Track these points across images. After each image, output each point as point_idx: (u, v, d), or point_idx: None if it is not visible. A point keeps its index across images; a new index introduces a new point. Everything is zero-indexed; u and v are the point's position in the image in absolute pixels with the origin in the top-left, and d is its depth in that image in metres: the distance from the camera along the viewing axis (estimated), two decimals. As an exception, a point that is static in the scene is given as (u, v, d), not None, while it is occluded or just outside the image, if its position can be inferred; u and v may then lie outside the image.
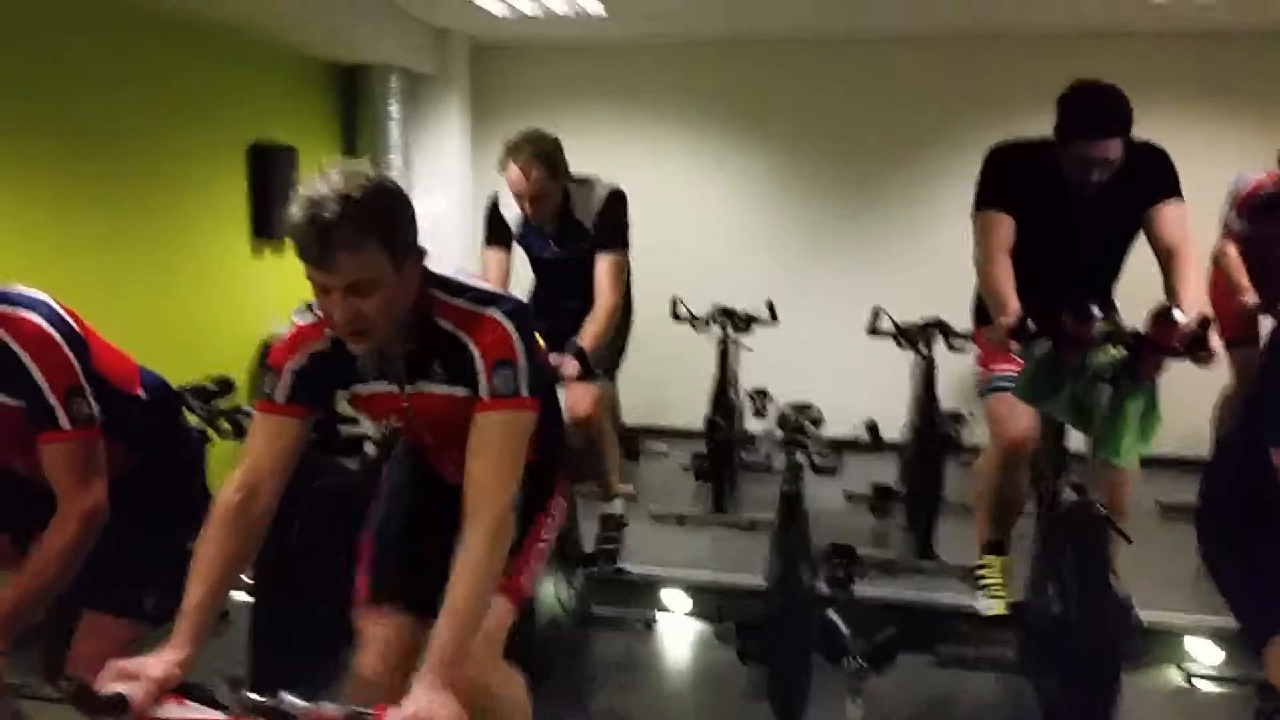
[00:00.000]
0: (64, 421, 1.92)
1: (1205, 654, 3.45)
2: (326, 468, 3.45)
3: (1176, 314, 2.53)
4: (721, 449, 4.73)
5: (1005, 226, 2.94)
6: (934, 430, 4.11)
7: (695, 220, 6.32)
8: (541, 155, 3.31)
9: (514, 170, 3.33)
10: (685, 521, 4.69)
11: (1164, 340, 2.55)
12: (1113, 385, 2.65)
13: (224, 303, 5.19)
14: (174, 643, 1.64)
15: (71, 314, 2.03)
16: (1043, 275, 2.87)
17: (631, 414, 5.27)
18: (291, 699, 1.48)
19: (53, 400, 1.91)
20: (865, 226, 6.32)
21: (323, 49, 5.84)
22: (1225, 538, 2.03)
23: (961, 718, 3.27)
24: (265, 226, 5.42)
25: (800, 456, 3.01)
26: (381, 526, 2.22)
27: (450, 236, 5.93)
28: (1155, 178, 2.96)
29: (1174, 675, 3.46)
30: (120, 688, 1.53)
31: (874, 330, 4.23)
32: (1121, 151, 2.84)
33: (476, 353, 1.78)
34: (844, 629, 2.14)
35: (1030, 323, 2.69)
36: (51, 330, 1.94)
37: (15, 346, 1.90)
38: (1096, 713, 2.64)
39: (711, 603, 3.95)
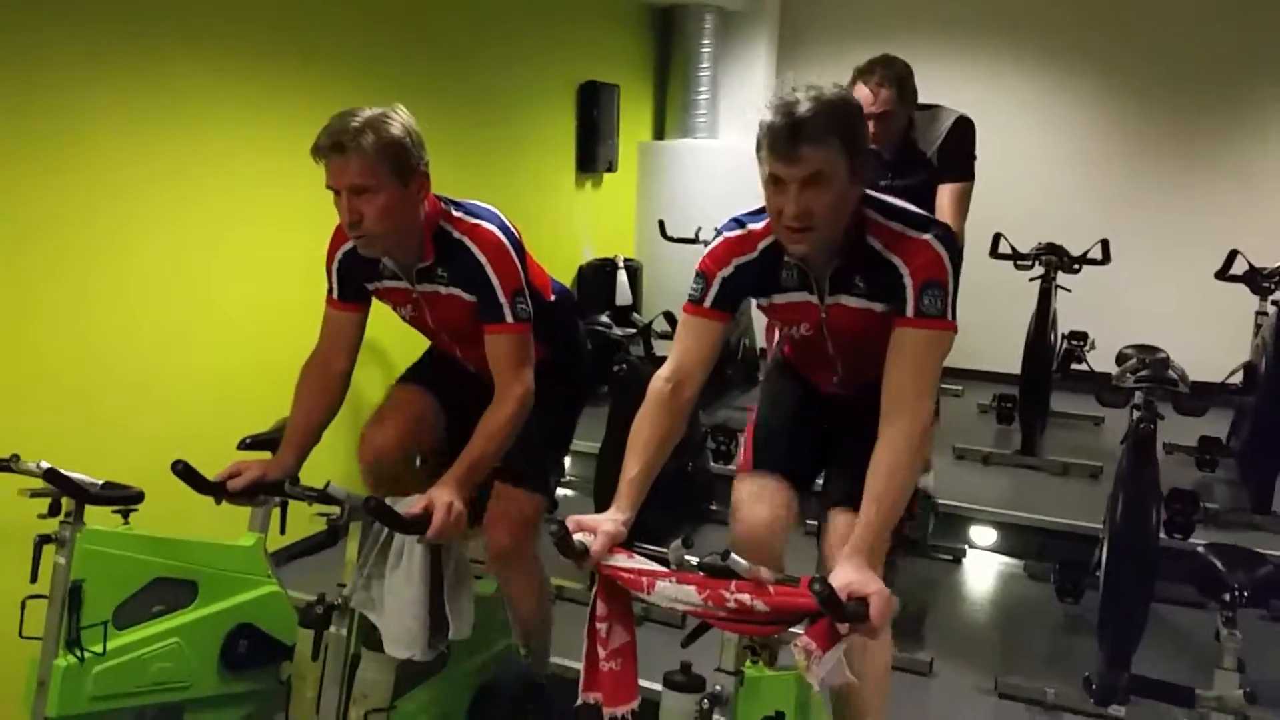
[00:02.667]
0: (509, 316, 2.22)
1: None
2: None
3: None
4: (1036, 391, 4.64)
5: None
6: (1283, 383, 3.85)
7: (1021, 154, 6.05)
8: (892, 77, 3.32)
9: (863, 89, 3.34)
10: (990, 460, 4.67)
11: None
12: None
13: (549, 229, 5.60)
14: (618, 505, 1.90)
15: (515, 227, 2.34)
16: None
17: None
18: (737, 559, 1.69)
19: (502, 298, 2.22)
20: (1212, 165, 5.80)
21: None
22: None
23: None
24: (589, 161, 5.78)
25: (1161, 397, 2.93)
26: (763, 421, 2.39)
27: (752, 172, 6.07)
28: None
29: None
30: (582, 537, 1.82)
31: (1225, 274, 3.98)
32: None
33: (906, 272, 1.89)
34: (1220, 564, 2.13)
35: None
36: (505, 240, 2.24)
37: (477, 252, 2.21)
38: None
39: (1023, 541, 3.97)
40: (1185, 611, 3.41)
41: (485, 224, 2.25)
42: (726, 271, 2.05)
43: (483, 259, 2.22)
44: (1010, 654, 3.24)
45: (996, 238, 4.67)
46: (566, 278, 5.74)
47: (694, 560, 1.75)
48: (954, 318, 1.90)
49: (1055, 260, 4.54)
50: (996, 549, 4.02)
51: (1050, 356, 4.61)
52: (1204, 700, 1.65)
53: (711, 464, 4.32)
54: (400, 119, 2.14)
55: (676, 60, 6.43)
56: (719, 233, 2.11)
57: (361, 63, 4.01)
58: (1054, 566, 3.56)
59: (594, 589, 1.82)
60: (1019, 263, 4.62)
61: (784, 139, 1.79)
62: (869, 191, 1.95)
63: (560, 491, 4.44)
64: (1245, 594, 2.09)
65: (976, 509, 4.06)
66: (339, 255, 2.36)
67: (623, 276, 5.80)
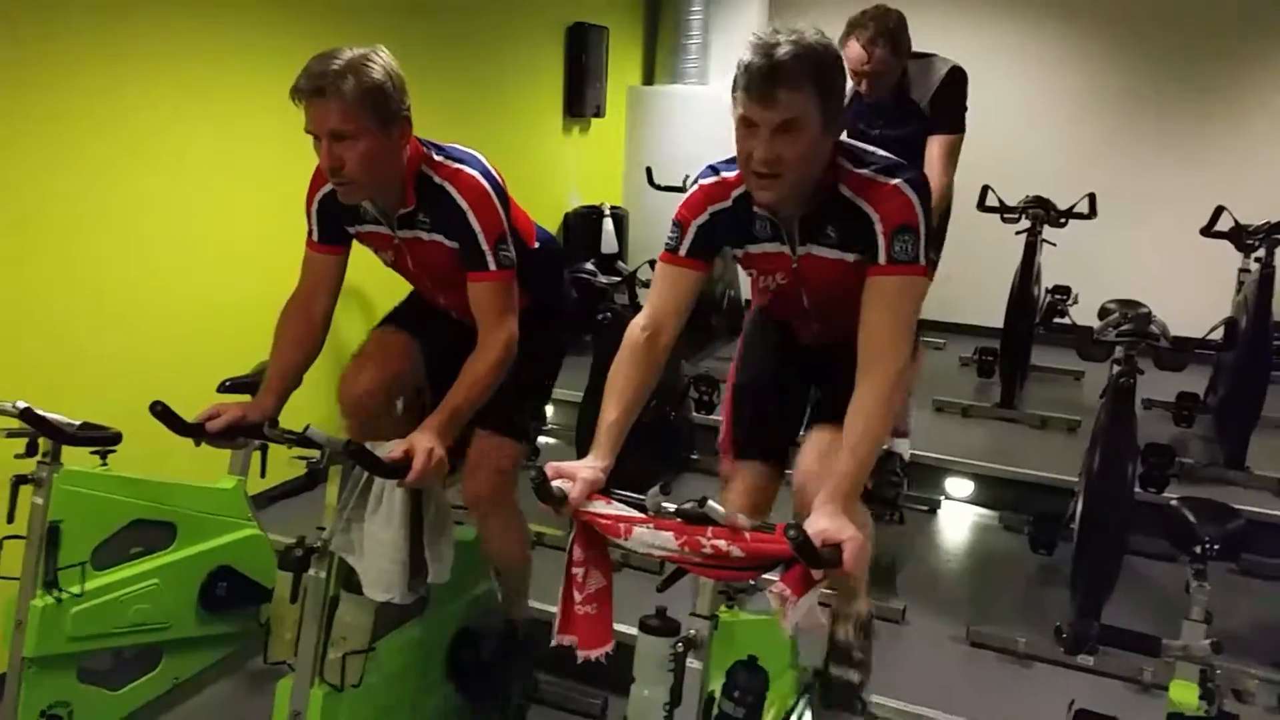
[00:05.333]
0: (492, 264, 2.20)
1: None
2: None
3: None
4: (1018, 345, 4.66)
5: None
6: (1265, 341, 3.88)
7: (1010, 106, 6.03)
8: (885, 33, 3.28)
9: (855, 47, 3.30)
10: (969, 413, 4.71)
11: None
12: None
13: (535, 174, 5.55)
14: (596, 453, 1.90)
15: (498, 172, 2.31)
16: None
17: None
18: (714, 505, 1.70)
19: (485, 246, 2.19)
20: (1201, 121, 5.82)
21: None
22: None
23: (1265, 626, 3.20)
24: (576, 104, 5.71)
25: (1142, 352, 2.95)
26: (742, 385, 2.42)
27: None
28: None
29: None
30: (561, 484, 1.82)
31: (1210, 231, 3.99)
32: None
33: (876, 219, 1.87)
34: (1192, 517, 2.16)
35: None
36: (488, 185, 2.21)
37: (459, 197, 2.18)
38: None
39: (999, 493, 4.02)
40: (1158, 564, 3.47)
41: (468, 169, 2.22)
42: (702, 219, 2.03)
43: (465, 205, 2.19)
44: (983, 603, 3.29)
45: (984, 190, 4.66)
46: (553, 224, 5.70)
47: (671, 507, 1.76)
48: (926, 262, 1.89)
49: (1042, 214, 4.54)
50: (972, 500, 4.07)
51: (1033, 310, 4.63)
52: (1169, 650, 1.69)
53: (694, 413, 4.33)
54: (382, 61, 2.10)
55: (667, 3, 6.32)
56: (695, 180, 2.09)
57: (338, 6, 3.92)
58: (1029, 518, 3.61)
59: (572, 534, 1.84)
60: (1006, 215, 4.62)
61: (760, 80, 1.75)
62: (843, 140, 1.93)
63: (542, 439, 4.46)
64: (1215, 547, 2.12)
65: (953, 460, 4.11)
66: (318, 197, 2.33)
67: (609, 224, 5.76)
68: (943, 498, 4.09)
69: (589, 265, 3.74)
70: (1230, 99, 5.75)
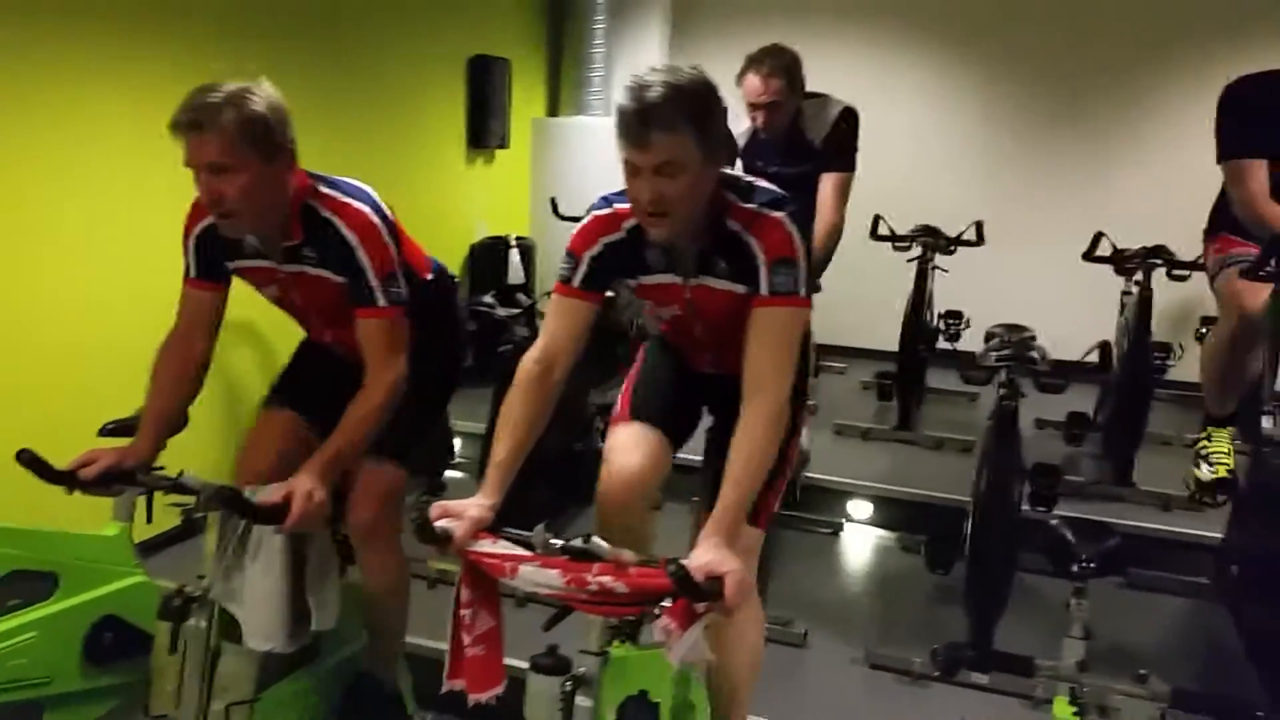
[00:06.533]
0: (381, 300, 2.18)
1: None
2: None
3: None
4: (912, 368, 4.79)
5: (1262, 170, 2.91)
6: (1145, 360, 4.06)
7: (901, 138, 6.21)
8: (781, 68, 3.39)
9: (753, 80, 3.40)
10: (869, 436, 4.81)
11: None
12: None
13: (439, 206, 5.52)
14: (485, 491, 1.90)
15: (388, 206, 2.29)
16: None
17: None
18: (599, 541, 1.71)
19: (374, 281, 2.17)
20: (1084, 150, 6.07)
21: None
22: None
23: (1151, 639, 3.32)
24: (480, 137, 5.70)
25: (1021, 375, 3.06)
26: (641, 376, 2.43)
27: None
28: None
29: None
30: (446, 524, 1.81)
31: (1091, 256, 4.17)
32: None
33: (760, 251, 1.91)
34: (1071, 536, 2.24)
35: None
36: (377, 220, 2.19)
37: (347, 232, 2.16)
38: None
39: (897, 514, 4.11)
40: (1059, 581, 3.56)
41: (356, 203, 2.20)
42: (595, 251, 2.05)
43: (353, 239, 2.17)
44: (882, 625, 3.35)
45: (876, 219, 4.79)
46: (458, 256, 5.68)
47: (558, 543, 1.76)
48: (807, 294, 1.94)
49: (931, 241, 4.68)
50: (872, 522, 4.15)
51: (926, 335, 4.76)
52: (1041, 669, 1.74)
53: (599, 444, 4.32)
54: (264, 95, 2.08)
55: (570, 36, 6.38)
56: (588, 212, 2.10)
57: (232, 33, 3.86)
58: (925, 539, 3.69)
59: (459, 575, 1.82)
60: (897, 244, 4.75)
61: (634, 125, 1.79)
62: (725, 171, 1.97)
63: (450, 474, 4.41)
64: (1092, 565, 2.20)
65: (854, 483, 4.18)
66: (196, 232, 2.29)
67: (515, 255, 5.76)
68: (844, 520, 4.16)
69: (488, 297, 3.73)
70: (1111, 132, 6.02)
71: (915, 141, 6.31)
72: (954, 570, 3.61)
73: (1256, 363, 3.16)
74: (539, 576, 1.71)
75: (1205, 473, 3.30)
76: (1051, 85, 6.09)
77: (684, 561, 1.65)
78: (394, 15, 4.96)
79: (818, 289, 3.45)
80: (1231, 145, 2.98)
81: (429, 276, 2.50)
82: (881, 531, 4.13)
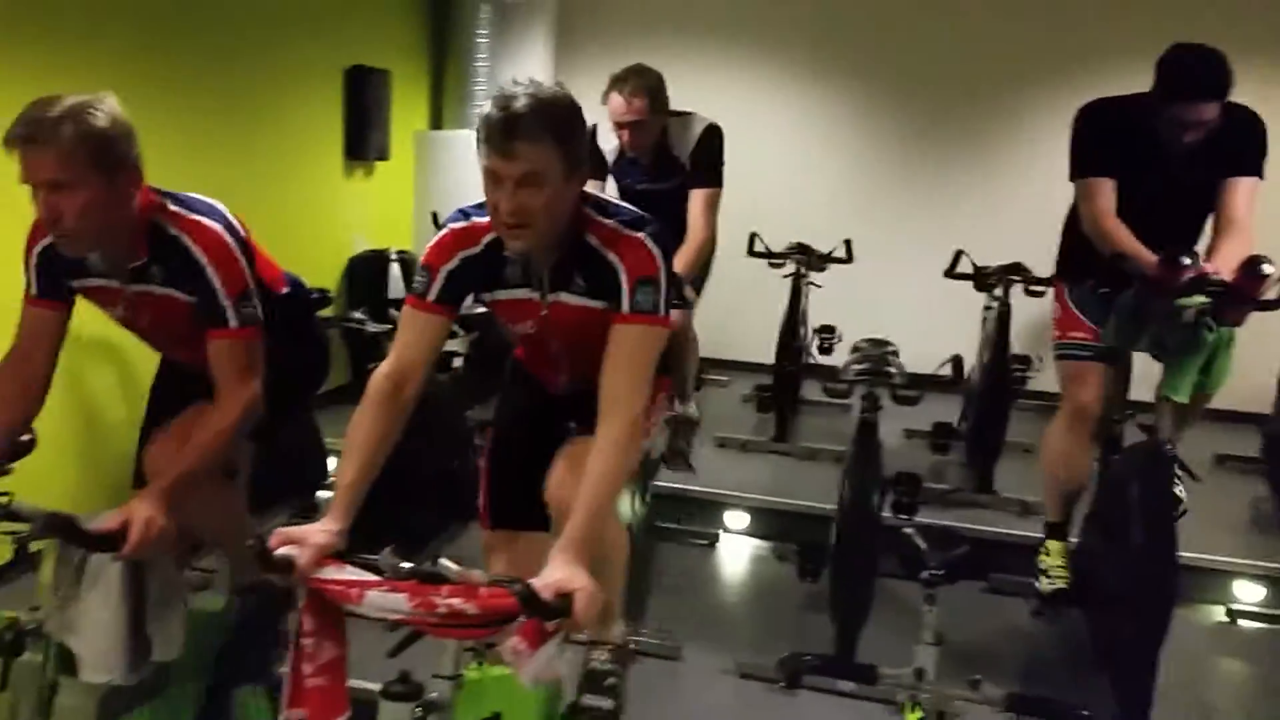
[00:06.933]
0: (233, 320, 2.12)
1: (1249, 593, 3.61)
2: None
3: (1266, 267, 2.65)
4: (788, 381, 4.89)
5: (1110, 188, 3.05)
6: (1004, 373, 4.24)
7: (775, 157, 6.35)
8: (645, 88, 3.43)
9: (617, 99, 3.44)
10: (748, 448, 4.89)
11: (1251, 290, 2.68)
12: (1195, 329, 2.79)
13: (315, 220, 5.40)
14: (332, 514, 1.85)
15: (241, 221, 2.24)
16: (1137, 226, 2.98)
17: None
18: (446, 563, 1.69)
19: (225, 301, 2.11)
20: (946, 172, 6.32)
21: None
22: None
23: (1007, 641, 3.47)
24: (358, 148, 5.60)
25: (880, 387, 3.17)
26: (497, 452, 2.44)
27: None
28: (1243, 148, 3.02)
29: (1217, 612, 3.64)
30: (288, 551, 1.76)
31: (952, 273, 4.34)
32: (1219, 113, 2.91)
33: (622, 269, 1.92)
34: (922, 544, 2.31)
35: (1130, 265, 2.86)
36: (228, 238, 2.14)
37: (196, 250, 2.09)
38: (1148, 642, 2.81)
39: (773, 524, 4.19)
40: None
41: (205, 220, 2.14)
42: (451, 265, 2.03)
43: (202, 258, 2.11)
44: (755, 634, 3.41)
45: (752, 237, 4.90)
46: (335, 270, 5.56)
47: (406, 567, 1.73)
48: (667, 313, 1.96)
49: (804, 259, 4.81)
50: (749, 533, 4.22)
51: (801, 348, 4.88)
52: (884, 677, 1.80)
53: (479, 462, 4.29)
54: (106, 109, 2.01)
55: (453, 49, 6.32)
56: (445, 224, 2.09)
57: (88, 44, 3.71)
58: (797, 548, 3.78)
59: (301, 603, 1.78)
60: (772, 261, 4.86)
61: (499, 134, 1.79)
62: (586, 190, 1.99)
63: (324, 494, 4.30)
64: (941, 572, 2.28)
65: (731, 495, 4.25)
66: (38, 249, 2.20)
67: (396, 269, 5.67)
68: (721, 531, 4.22)
69: (358, 313, 3.67)
70: (973, 154, 6.29)
71: (790, 161, 6.47)
72: (824, 578, 3.70)
73: (1090, 463, 3.30)
74: (386, 601, 1.68)
75: (1045, 585, 3.39)
76: (920, 109, 6.32)
77: (534, 580, 1.66)
78: (266, 25, 4.84)
79: (690, 303, 3.50)
80: (1082, 165, 3.14)
81: (284, 291, 2.44)
82: (757, 541, 4.21)
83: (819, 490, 4.20)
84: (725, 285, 4.99)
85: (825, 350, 4.95)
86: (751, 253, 4.89)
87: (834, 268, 5.03)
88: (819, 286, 5.05)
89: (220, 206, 2.20)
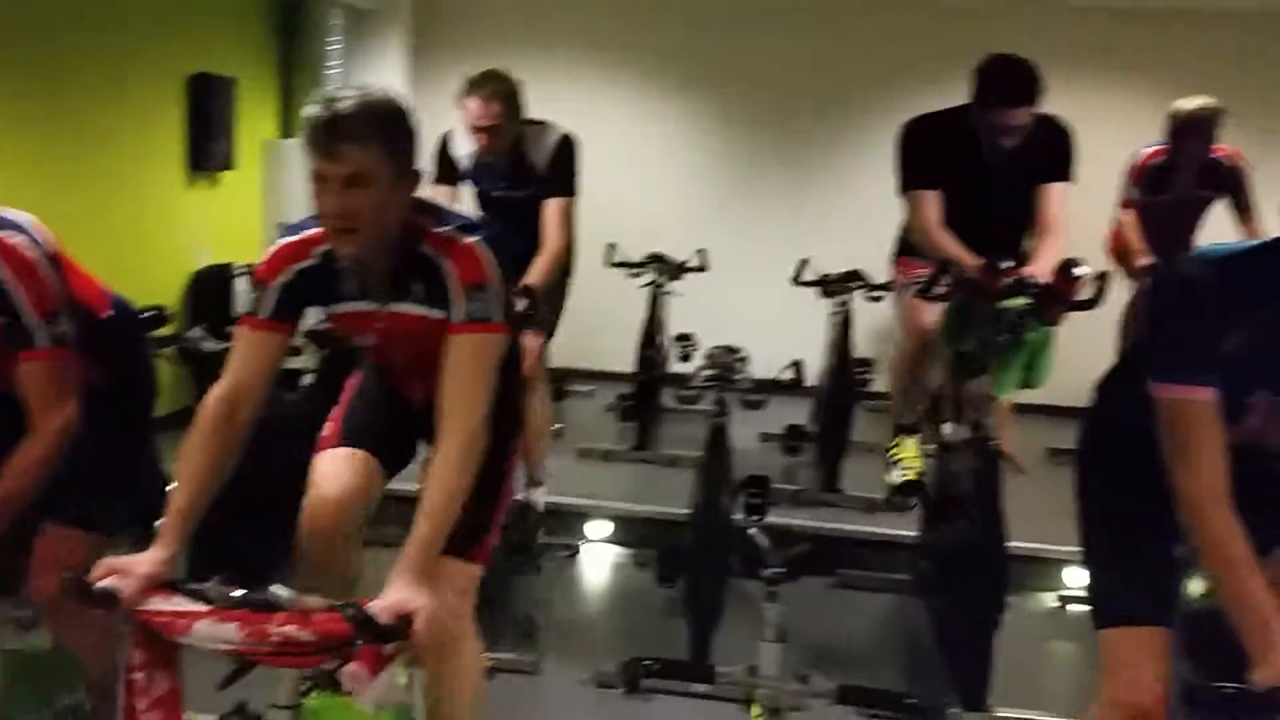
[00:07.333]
0: (42, 341, 2.01)
1: (1079, 580, 3.84)
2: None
3: (1079, 269, 2.86)
4: (647, 389, 4.96)
5: (935, 200, 3.24)
6: (847, 375, 4.40)
7: (632, 170, 6.42)
8: (502, 93, 3.42)
9: (474, 102, 3.42)
10: (610, 457, 4.93)
11: (1066, 291, 2.88)
12: (1017, 329, 2.97)
13: (154, 235, 5.18)
14: (160, 542, 1.78)
15: (52, 237, 2.12)
16: (961, 232, 3.17)
17: (559, 355, 5.45)
18: (279, 589, 1.65)
19: (33, 321, 2.00)
20: (794, 182, 6.53)
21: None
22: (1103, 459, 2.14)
23: (855, 633, 3.61)
24: (201, 158, 5.40)
25: (728, 393, 3.25)
26: (351, 403, 2.33)
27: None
28: (1055, 156, 3.27)
29: (1049, 599, 3.87)
30: (111, 583, 1.68)
31: (799, 280, 4.48)
32: (1031, 119, 3.12)
33: (454, 276, 1.90)
34: (764, 543, 2.38)
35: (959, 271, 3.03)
36: (35, 254, 2.02)
37: (1, 267, 1.99)
38: (983, 630, 2.98)
39: (634, 531, 4.23)
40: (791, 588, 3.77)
41: (9, 235, 2.02)
42: (285, 278, 1.97)
43: (6, 275, 1.99)
44: (616, 642, 3.43)
45: (610, 247, 4.95)
46: (175, 286, 5.32)
47: (237, 595, 1.68)
48: (503, 319, 1.94)
49: (661, 268, 4.89)
50: (610, 541, 4.25)
51: (659, 357, 4.95)
52: (721, 676, 1.84)
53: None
54: None
55: (304, 56, 6.19)
56: (277, 238, 2.04)
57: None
58: (655, 554, 3.83)
59: (129, 637, 1.71)
60: (630, 271, 4.92)
61: (324, 134, 1.77)
62: (421, 197, 1.97)
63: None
64: (782, 570, 2.36)
65: (592, 504, 4.28)
66: None
67: (241, 284, 5.47)
68: (582, 541, 4.24)
69: (196, 331, 3.52)
70: (817, 163, 6.53)
71: (646, 172, 6.56)
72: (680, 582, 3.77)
73: (934, 374, 3.51)
74: (216, 632, 1.63)
75: (896, 476, 3.62)
76: (768, 121, 6.52)
77: (372, 602, 1.64)
78: (96, 30, 4.63)
79: (553, 315, 3.52)
80: (908, 179, 3.31)
81: (108, 314, 2.33)
82: (619, 549, 4.24)
83: (679, 496, 4.25)
84: (586, 296, 5.00)
85: (684, 358, 5.02)
86: (610, 263, 4.93)
87: (691, 276, 5.14)
88: (679, 295, 5.14)
89: (25, 219, 2.08)
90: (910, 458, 3.62)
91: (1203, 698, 1.67)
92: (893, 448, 3.72)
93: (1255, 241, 1.90)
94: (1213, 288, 1.74)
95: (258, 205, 6.05)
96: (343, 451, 2.23)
